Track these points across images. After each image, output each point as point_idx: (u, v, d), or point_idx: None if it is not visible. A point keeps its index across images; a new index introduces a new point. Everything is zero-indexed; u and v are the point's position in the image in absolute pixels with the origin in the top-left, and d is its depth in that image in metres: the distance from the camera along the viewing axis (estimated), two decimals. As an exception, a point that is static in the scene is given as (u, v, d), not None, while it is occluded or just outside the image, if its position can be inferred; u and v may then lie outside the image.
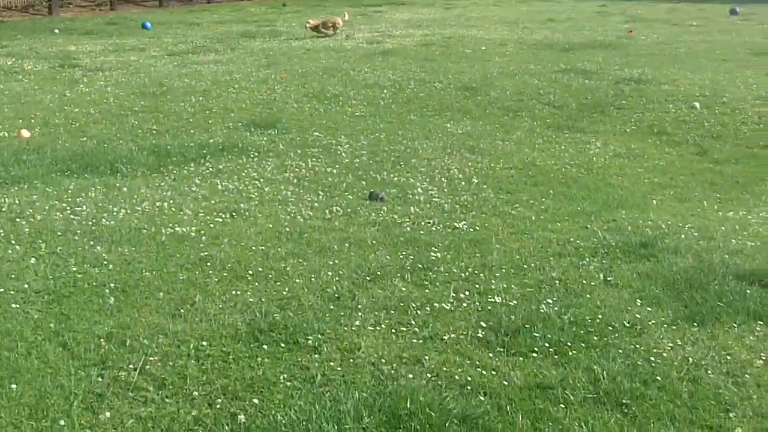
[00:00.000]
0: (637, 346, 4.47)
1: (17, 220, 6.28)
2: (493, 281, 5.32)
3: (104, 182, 7.56)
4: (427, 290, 5.16)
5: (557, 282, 5.34)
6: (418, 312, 4.82)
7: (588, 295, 5.13)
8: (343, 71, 14.12)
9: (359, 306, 4.89)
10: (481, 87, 12.82)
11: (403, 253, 5.82)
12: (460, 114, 11.09)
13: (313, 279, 5.28)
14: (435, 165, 8.47)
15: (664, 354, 4.39)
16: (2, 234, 5.94)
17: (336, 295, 5.03)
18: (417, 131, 9.98)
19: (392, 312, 4.83)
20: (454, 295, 5.07)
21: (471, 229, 6.42)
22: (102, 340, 4.40)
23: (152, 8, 30.29)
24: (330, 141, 9.37)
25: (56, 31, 21.35)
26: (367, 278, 5.31)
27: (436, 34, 20.28)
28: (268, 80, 13.21)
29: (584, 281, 5.36)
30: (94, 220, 6.35)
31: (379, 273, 5.39)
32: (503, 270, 5.53)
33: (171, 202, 6.94)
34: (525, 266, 5.62)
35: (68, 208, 6.66)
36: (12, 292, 4.97)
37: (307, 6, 31.31)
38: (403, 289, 5.16)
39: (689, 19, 23.97)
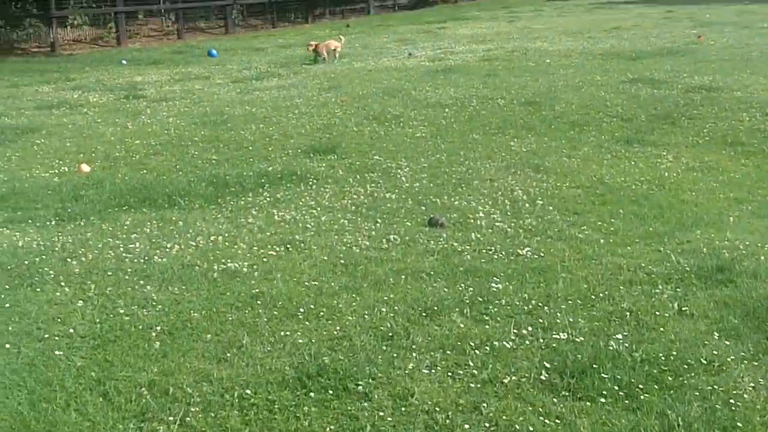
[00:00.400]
0: (715, 386, 4.10)
1: (68, 260, 6.17)
2: (558, 314, 4.99)
3: (161, 216, 7.44)
4: (487, 326, 4.86)
5: (628, 314, 4.99)
6: (477, 351, 4.52)
7: (661, 328, 4.77)
8: (405, 91, 13.90)
9: (414, 346, 4.61)
10: (546, 101, 12.46)
11: (463, 284, 5.53)
12: (524, 131, 10.77)
13: (366, 316, 5.03)
14: (498, 186, 8.17)
15: (745, 395, 4.01)
16: (52, 275, 5.83)
17: (390, 334, 4.76)
18: (479, 151, 9.69)
19: (449, 352, 4.54)
20: (515, 331, 4.76)
21: (535, 256, 6.10)
22: (144, 389, 4.22)
23: (218, 35, 30.65)
24: (390, 164, 9.15)
25: (124, 62, 21.63)
26: (423, 314, 5.03)
27: (499, 49, 19.97)
28: (328, 104, 13.06)
29: (657, 312, 5.00)
30: (146, 258, 6.21)
31: (436, 308, 5.11)
32: (569, 301, 5.19)
33: (226, 235, 6.78)
34: (593, 296, 5.27)
35: (121, 245, 6.54)
36: (57, 338, 4.83)
37: (370, 26, 31.33)
38: (462, 325, 4.86)
39: (760, 20, 23.19)
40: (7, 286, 5.64)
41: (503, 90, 13.56)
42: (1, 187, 8.56)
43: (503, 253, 6.19)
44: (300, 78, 16.66)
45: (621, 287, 5.43)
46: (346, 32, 29.00)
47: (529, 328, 4.80)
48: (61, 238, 6.78)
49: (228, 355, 4.56)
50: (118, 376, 4.36)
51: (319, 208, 7.56)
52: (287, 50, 23.34)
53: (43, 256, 6.25)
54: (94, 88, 16.52)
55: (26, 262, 6.09)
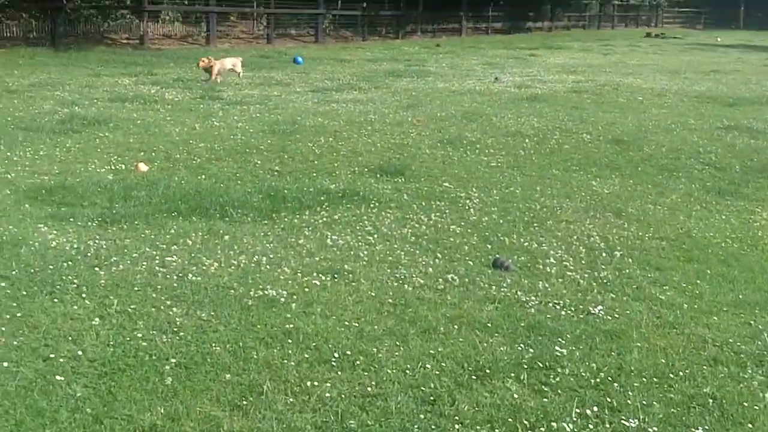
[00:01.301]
0: None
1: (97, 268, 5.71)
2: (630, 393, 4.30)
3: (208, 227, 6.96)
4: (545, 399, 4.20)
5: (711, 401, 4.27)
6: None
7: (749, 425, 4.05)
8: (485, 116, 13.28)
9: (458, 416, 3.97)
10: (634, 141, 11.70)
11: (523, 343, 4.87)
12: (608, 170, 10.03)
13: (408, 371, 4.41)
14: (574, 229, 7.48)
15: None
16: (75, 285, 5.36)
17: (432, 397, 4.14)
18: (558, 188, 9.01)
19: (498, 429, 3.89)
20: (578, 410, 4.08)
21: (608, 317, 5.40)
22: (143, 434, 3.69)
23: (308, 43, 30.52)
24: (459, 193, 8.54)
25: (208, 61, 21.44)
26: (474, 376, 4.39)
27: (589, 81, 19.22)
28: (404, 123, 12.51)
29: (745, 402, 4.27)
30: (180, 274, 5.71)
31: (489, 370, 4.46)
32: (644, 378, 4.49)
33: (271, 256, 6.25)
34: (671, 374, 4.57)
35: (158, 256, 6.06)
36: (62, 359, 4.34)
37: (461, 47, 30.84)
38: (516, 395, 4.21)
39: None
40: (24, 293, 5.19)
41: (589, 125, 12.83)
42: (52, 180, 8.21)
43: (572, 309, 5.51)
44: (380, 93, 16.19)
45: (704, 366, 4.71)
46: (435, 51, 28.55)
47: (595, 408, 4.12)
48: (97, 242, 6.35)
49: (245, 402, 4.00)
50: (119, 414, 3.83)
51: (376, 235, 6.99)
52: (374, 64, 22.97)
53: (71, 262, 5.80)
54: (172, 85, 16.34)
55: (51, 267, 5.65)
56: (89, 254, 6.02)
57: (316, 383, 4.21)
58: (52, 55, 21.26)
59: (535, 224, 7.59)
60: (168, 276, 5.66)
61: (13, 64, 18.84)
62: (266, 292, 5.45)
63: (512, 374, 4.44)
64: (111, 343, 4.56)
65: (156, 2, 27.03)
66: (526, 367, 4.54)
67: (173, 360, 4.37)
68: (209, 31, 27.55)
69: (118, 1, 26.80)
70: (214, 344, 4.60)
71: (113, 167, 8.97)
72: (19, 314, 4.86)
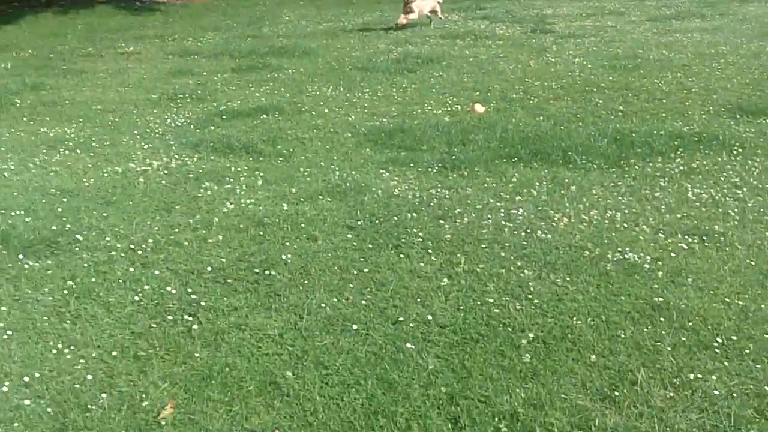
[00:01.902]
0: None
1: (441, 221, 5.39)
2: None
3: (552, 175, 6.45)
4: None
5: None
6: None
7: None
8: None
9: None
10: None
11: None
12: None
13: (811, 368, 3.64)
14: None
15: None
16: (421, 239, 5.07)
17: None
18: None
19: None
20: None
21: None
22: (503, 421, 3.27)
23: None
24: (840, 139, 7.32)
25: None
26: None
27: None
28: (761, 54, 11.13)
29: None
30: (528, 231, 5.26)
31: None
32: None
33: (626, 212, 5.61)
34: None
35: (503, 209, 5.65)
36: (412, 324, 4.04)
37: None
38: None
39: None
40: (369, 245, 4.99)
41: None
42: (390, 123, 8.08)
43: None
44: (727, 21, 14.67)
45: None
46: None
47: None
48: (439, 190, 6.06)
49: (616, 393, 3.46)
50: (475, 395, 3.46)
51: (745, 188, 6.10)
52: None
53: (415, 213, 5.54)
54: (502, 19, 15.90)
55: (396, 218, 5.42)
56: (432, 204, 5.73)
57: (699, 375, 3.57)
58: (384, -8, 21.59)
59: None
60: (515, 232, 5.23)
61: (348, 3, 19.35)
62: (625, 255, 4.85)
63: None
64: (461, 307, 4.21)
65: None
66: None
67: (530, 333, 3.92)
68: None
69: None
70: (573, 316, 4.10)
71: (449, 108, 8.69)
72: (365, 269, 4.66)
